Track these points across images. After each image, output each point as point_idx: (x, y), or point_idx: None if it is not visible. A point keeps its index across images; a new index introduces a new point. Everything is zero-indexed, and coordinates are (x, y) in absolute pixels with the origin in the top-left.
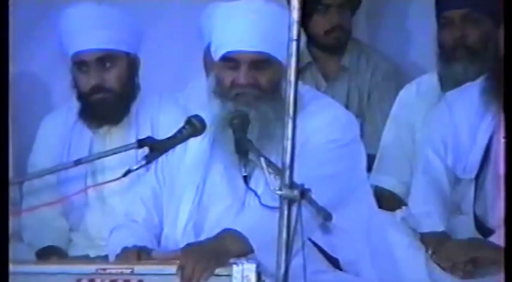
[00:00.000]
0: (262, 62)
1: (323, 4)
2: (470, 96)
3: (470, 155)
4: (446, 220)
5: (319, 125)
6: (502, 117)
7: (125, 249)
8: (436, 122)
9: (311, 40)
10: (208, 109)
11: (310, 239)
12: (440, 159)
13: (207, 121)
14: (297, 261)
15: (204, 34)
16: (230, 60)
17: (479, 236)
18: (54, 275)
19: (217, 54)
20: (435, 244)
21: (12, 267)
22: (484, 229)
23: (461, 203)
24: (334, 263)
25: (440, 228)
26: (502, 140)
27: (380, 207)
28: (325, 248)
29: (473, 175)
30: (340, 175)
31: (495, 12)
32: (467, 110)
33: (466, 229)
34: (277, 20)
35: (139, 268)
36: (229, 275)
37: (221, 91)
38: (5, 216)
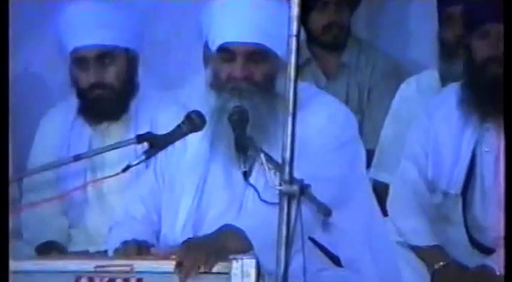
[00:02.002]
0: (258, 54)
1: (321, 1)
2: (449, 107)
3: (455, 169)
4: (434, 233)
5: (318, 122)
6: (484, 127)
7: (125, 243)
8: (417, 132)
9: (310, 37)
10: (205, 101)
11: (310, 238)
12: (418, 169)
13: (206, 116)
14: (297, 259)
15: (204, 29)
16: (226, 51)
17: (475, 251)
18: (53, 273)
19: (214, 46)
20: (435, 258)
21: (11, 265)
22: (482, 248)
23: (451, 216)
24: (335, 261)
25: (431, 241)
26: (486, 150)
27: (379, 201)
28: (326, 247)
29: (459, 191)
30: (340, 175)
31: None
32: (447, 122)
33: (458, 241)
34: (275, 13)
35: (138, 264)
36: (229, 271)
37: (217, 85)
38: (5, 213)
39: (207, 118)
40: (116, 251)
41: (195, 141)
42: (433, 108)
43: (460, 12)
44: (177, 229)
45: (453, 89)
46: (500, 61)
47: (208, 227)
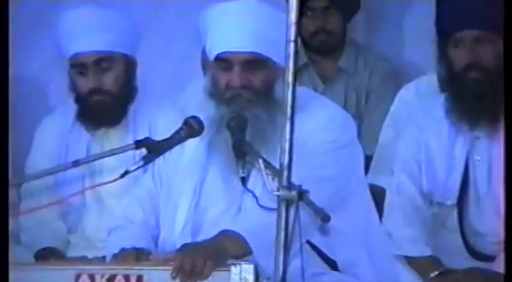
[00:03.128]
0: (255, 63)
1: (309, 7)
2: (438, 118)
3: (449, 180)
4: (431, 243)
5: (317, 125)
6: (474, 136)
7: (123, 251)
8: (409, 144)
9: (302, 42)
10: (205, 111)
11: (308, 241)
12: (413, 181)
13: (205, 122)
14: (295, 263)
15: (202, 35)
16: (223, 60)
17: (472, 259)
18: (53, 270)
19: (211, 55)
20: (430, 268)
21: (11, 268)
22: (480, 256)
23: (447, 225)
24: (332, 265)
25: (427, 252)
26: (478, 159)
27: (377, 205)
28: (324, 250)
29: (455, 201)
30: (338, 177)
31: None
32: (438, 133)
33: (455, 251)
34: (270, 20)
35: (137, 269)
36: (227, 277)
37: (216, 93)
38: (5, 217)
39: (206, 126)
40: (114, 256)
41: (192, 145)
42: (423, 118)
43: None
44: (175, 233)
45: (440, 99)
46: (477, 67)
47: (207, 231)
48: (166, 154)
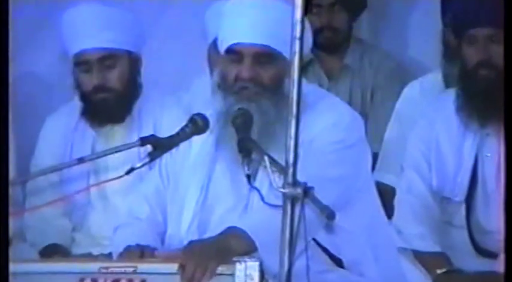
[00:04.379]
0: (265, 56)
1: (314, 4)
2: (449, 114)
3: (458, 176)
4: (439, 239)
5: (325, 124)
6: (484, 132)
7: (128, 248)
8: (418, 141)
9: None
10: (212, 104)
11: (314, 239)
12: (423, 179)
13: (211, 118)
14: (300, 261)
15: (209, 31)
16: (234, 53)
17: (478, 256)
18: (56, 274)
19: (222, 47)
20: (437, 265)
21: (14, 267)
22: (486, 253)
23: (455, 222)
24: (338, 263)
25: (436, 248)
26: (488, 155)
27: (383, 202)
28: (329, 248)
29: (463, 197)
30: (345, 177)
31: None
32: (448, 129)
33: (462, 247)
34: (282, 15)
35: (142, 266)
36: (232, 274)
37: (225, 86)
38: (5, 216)
39: (212, 120)
40: (120, 255)
41: (199, 141)
42: (433, 115)
43: (449, 20)
44: (182, 229)
45: (451, 96)
46: (490, 65)
47: (214, 228)
48: (174, 150)
